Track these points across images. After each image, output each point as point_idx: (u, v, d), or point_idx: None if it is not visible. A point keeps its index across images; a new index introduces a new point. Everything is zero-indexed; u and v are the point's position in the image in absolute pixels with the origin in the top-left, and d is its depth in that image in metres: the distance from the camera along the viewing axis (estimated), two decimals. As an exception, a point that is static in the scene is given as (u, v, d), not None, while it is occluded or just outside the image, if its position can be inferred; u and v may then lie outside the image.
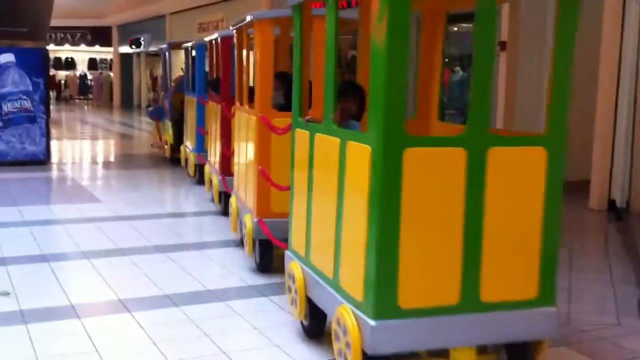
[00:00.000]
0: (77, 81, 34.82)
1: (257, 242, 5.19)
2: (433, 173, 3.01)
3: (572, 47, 3.29)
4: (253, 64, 5.42)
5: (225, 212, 7.18)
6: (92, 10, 28.87)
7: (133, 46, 28.13)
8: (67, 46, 34.10)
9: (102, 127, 20.66)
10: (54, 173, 10.90)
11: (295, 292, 3.86)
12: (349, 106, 3.79)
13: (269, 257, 5.18)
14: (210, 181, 7.94)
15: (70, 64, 35.18)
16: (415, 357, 3.22)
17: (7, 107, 10.99)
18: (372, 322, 2.96)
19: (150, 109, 14.82)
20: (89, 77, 34.64)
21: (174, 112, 11.34)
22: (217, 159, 7.56)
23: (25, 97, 11.07)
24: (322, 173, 3.64)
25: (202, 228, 7.18)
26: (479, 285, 3.10)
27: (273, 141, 5.08)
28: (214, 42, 8.29)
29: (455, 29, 12.43)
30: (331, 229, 3.43)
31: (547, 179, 3.15)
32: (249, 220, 5.22)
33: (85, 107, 31.47)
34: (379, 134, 2.92)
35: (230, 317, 4.32)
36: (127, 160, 12.90)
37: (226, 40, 7.59)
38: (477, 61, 3.07)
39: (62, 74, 34.82)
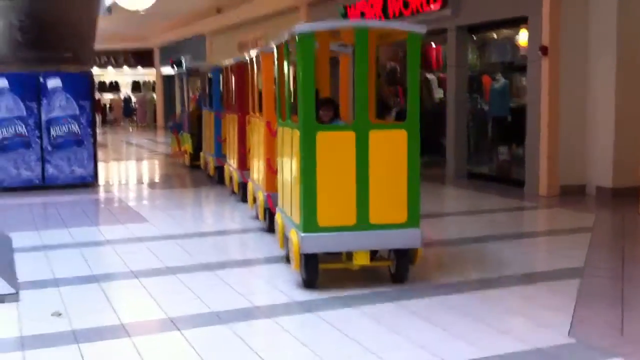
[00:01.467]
0: (122, 104, 35.53)
1: (267, 211, 7.20)
2: (335, 145, 5.09)
3: (418, 68, 5.16)
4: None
5: (243, 198, 9.10)
6: (135, 33, 29.48)
7: (174, 67, 28.58)
8: (110, 69, 34.87)
9: (146, 147, 21.03)
10: (102, 194, 11.13)
11: (278, 231, 5.91)
12: (328, 112, 5.98)
13: (273, 220, 6.65)
14: (230, 177, 9.96)
15: (114, 87, 35.95)
16: (337, 258, 5.43)
17: (56, 131, 11.28)
18: (302, 234, 5.06)
19: (170, 124, 16.89)
20: (133, 99, 35.32)
21: (191, 126, 13.51)
22: (235, 158, 9.55)
23: (72, 120, 11.34)
24: (286, 151, 5.66)
25: (247, 245, 7.23)
26: (368, 213, 5.10)
27: (274, 139, 6.72)
28: (229, 67, 10.21)
29: (495, 35, 12.32)
30: (289, 185, 5.54)
31: (408, 148, 5.13)
32: (260, 195, 7.33)
33: (130, 128, 32.08)
34: (301, 124, 5.05)
35: (277, 333, 4.33)
36: (170, 180, 13.10)
37: (240, 65, 9.39)
38: (357, 78, 5.11)
39: (107, 97, 35.60)
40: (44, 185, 11.25)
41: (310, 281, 5.18)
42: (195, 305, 4.92)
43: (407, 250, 5.20)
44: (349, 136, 5.06)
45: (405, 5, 12.41)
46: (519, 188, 10.38)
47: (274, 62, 6.54)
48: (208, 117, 12.07)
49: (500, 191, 10.39)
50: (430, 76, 15.11)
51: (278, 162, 6.15)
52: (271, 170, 6.92)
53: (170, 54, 29.25)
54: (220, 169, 11.05)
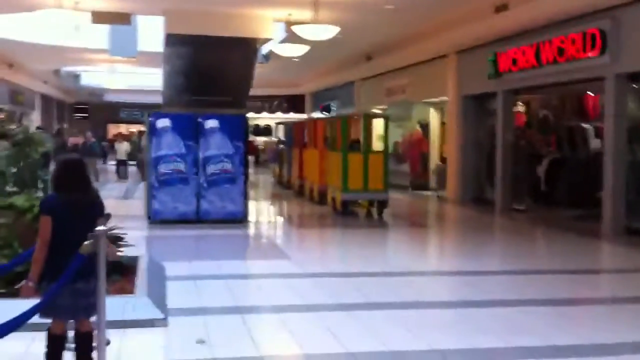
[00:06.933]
0: (275, 147, 36.94)
1: None
2: None
3: None
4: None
5: None
6: (288, 80, 30.76)
7: (324, 112, 29.43)
8: (264, 114, 36.47)
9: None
10: (250, 231, 11.53)
11: None
12: None
13: None
14: None
15: (267, 131, 37.52)
16: None
17: (211, 168, 11.89)
18: None
19: None
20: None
21: None
22: None
23: (227, 159, 11.90)
24: None
25: (380, 289, 7.17)
26: None
27: None
28: None
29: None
30: None
31: None
32: None
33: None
34: None
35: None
36: (316, 219, 13.32)
37: None
38: None
39: (260, 140, 37.20)
40: (198, 219, 11.72)
41: None
42: (330, 344, 4.92)
43: None
44: None
45: (560, 52, 11.98)
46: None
47: None
48: None
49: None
50: (586, 126, 14.45)
51: None
52: None
53: (321, 99, 30.19)
54: None
